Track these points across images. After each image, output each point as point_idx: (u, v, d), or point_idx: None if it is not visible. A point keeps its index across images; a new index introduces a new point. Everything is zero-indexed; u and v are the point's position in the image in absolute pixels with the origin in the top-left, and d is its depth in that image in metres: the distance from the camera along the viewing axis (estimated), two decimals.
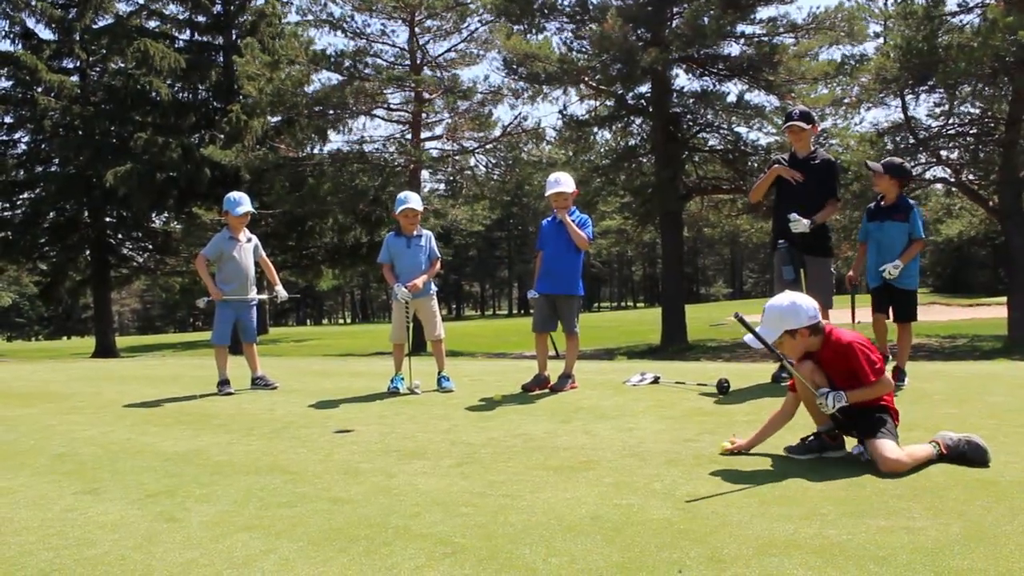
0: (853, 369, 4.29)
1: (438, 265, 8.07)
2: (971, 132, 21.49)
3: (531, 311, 7.74)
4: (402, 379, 7.88)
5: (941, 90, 19.95)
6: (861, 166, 18.07)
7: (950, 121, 21.40)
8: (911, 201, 6.97)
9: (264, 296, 8.93)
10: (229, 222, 8.58)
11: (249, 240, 8.64)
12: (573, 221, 7.34)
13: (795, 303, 4.37)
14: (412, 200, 7.89)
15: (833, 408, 4.24)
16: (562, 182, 7.36)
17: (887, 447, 4.08)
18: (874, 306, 7.01)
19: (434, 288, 8.08)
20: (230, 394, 8.17)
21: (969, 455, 4.11)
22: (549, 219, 7.56)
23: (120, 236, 35.73)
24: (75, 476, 4.89)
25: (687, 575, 2.93)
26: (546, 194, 7.50)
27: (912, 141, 20.74)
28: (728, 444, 4.65)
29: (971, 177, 21.88)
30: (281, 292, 8.90)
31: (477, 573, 3.05)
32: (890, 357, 6.99)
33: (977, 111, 21.18)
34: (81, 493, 4.47)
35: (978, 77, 18.34)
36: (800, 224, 6.70)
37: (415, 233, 7.89)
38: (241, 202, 8.52)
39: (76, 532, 3.77)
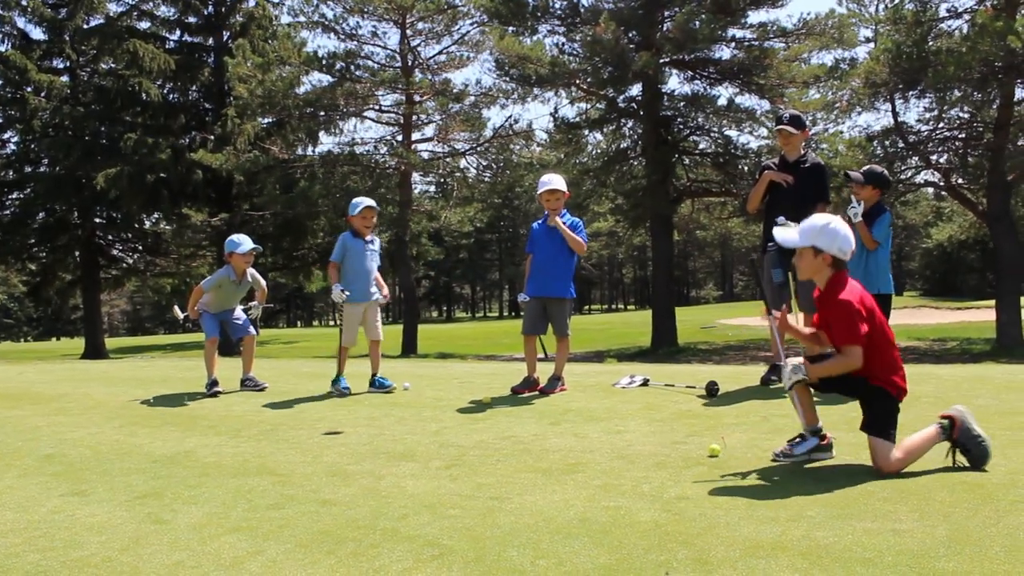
0: (832, 326, 4.25)
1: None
2: (960, 136, 21.59)
3: (522, 313, 7.74)
4: (344, 379, 7.99)
5: (931, 95, 20.03)
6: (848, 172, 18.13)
7: (940, 126, 21.49)
8: (885, 207, 7.02)
9: (241, 306, 8.89)
10: (233, 262, 8.45)
11: (251, 278, 8.61)
12: (565, 224, 7.33)
13: (836, 228, 4.26)
14: (369, 199, 8.03)
15: (787, 384, 4.28)
16: (554, 181, 7.39)
17: (883, 450, 4.07)
18: None
19: (380, 294, 8.17)
20: (217, 394, 8.17)
21: (973, 452, 4.08)
22: (540, 221, 7.55)
23: (110, 237, 35.56)
24: (62, 478, 4.87)
25: None
26: (538, 192, 7.49)
27: (902, 145, 20.83)
28: (717, 446, 4.66)
29: (960, 181, 21.99)
30: (256, 306, 8.92)
31: (464, 575, 3.06)
32: None
33: (966, 115, 21.29)
34: (68, 495, 4.46)
35: (967, 82, 18.43)
36: (788, 228, 6.75)
37: (368, 237, 8.01)
38: (242, 243, 8.46)
39: (63, 534, 3.76)
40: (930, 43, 18.41)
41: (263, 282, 8.82)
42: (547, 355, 7.77)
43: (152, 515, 3.98)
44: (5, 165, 33.32)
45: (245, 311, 8.81)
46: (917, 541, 3.14)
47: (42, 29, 33.05)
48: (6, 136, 33.83)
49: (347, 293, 7.75)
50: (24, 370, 13.13)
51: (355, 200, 8.10)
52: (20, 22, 32.86)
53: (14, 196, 33.75)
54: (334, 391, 7.88)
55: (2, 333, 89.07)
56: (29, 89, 31.49)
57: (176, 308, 8.98)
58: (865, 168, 7.21)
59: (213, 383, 8.30)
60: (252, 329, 8.76)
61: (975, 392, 6.41)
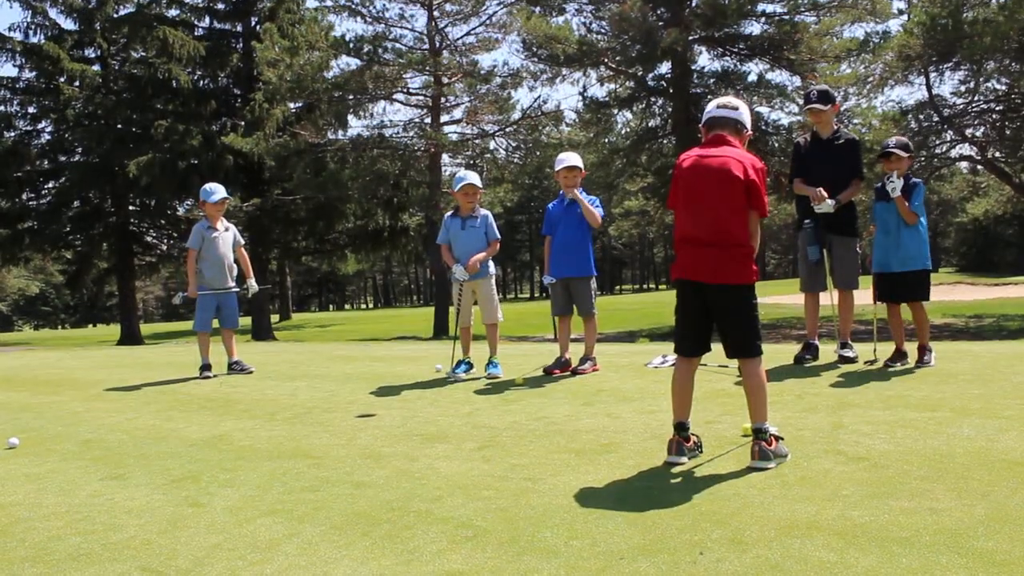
0: None
1: (496, 246, 7.74)
2: (997, 109, 21.20)
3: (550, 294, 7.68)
4: (469, 363, 7.71)
5: (966, 67, 19.67)
6: (885, 146, 17.88)
7: (975, 98, 21.11)
8: (915, 179, 6.77)
9: (237, 289, 9.04)
10: (206, 211, 8.88)
11: (227, 229, 8.92)
12: None
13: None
14: (471, 176, 7.74)
15: None
16: (571, 158, 7.32)
17: None
18: (876, 294, 6.76)
19: (493, 270, 7.83)
20: (208, 378, 8.49)
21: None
22: (555, 202, 7.50)
23: (144, 224, 35.95)
24: (101, 462, 4.95)
25: (708, 557, 2.93)
26: (556, 169, 7.43)
27: (937, 119, 20.51)
28: (750, 426, 4.61)
29: (997, 154, 21.62)
30: (252, 285, 9.19)
31: (498, 556, 3.07)
32: (903, 350, 6.85)
33: (1003, 87, 20.89)
34: (107, 479, 4.53)
35: (1004, 53, 18.08)
36: (824, 204, 6.62)
37: (473, 213, 7.67)
38: (215, 191, 8.81)
39: (103, 517, 3.82)
40: (965, 14, 18.05)
41: (240, 239, 9.08)
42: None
43: (189, 498, 4.03)
44: (40, 155, 33.73)
45: (243, 291, 9.05)
46: (955, 520, 3.11)
47: (73, 19, 33.38)
48: (41, 126, 34.26)
49: (457, 268, 7.44)
50: (63, 357, 13.34)
51: (458, 175, 7.96)
52: (52, 12, 33.22)
53: (49, 185, 34.20)
54: (451, 377, 7.59)
55: (41, 321, 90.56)
56: (62, 79, 31.86)
57: (174, 299, 9.25)
58: (897, 140, 6.91)
59: (206, 367, 8.69)
60: (234, 323, 8.99)
61: (1013, 369, 6.31)
